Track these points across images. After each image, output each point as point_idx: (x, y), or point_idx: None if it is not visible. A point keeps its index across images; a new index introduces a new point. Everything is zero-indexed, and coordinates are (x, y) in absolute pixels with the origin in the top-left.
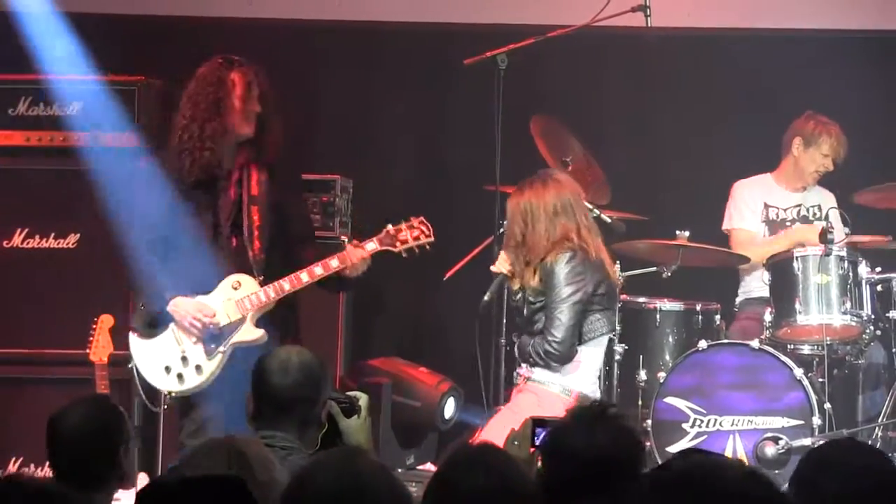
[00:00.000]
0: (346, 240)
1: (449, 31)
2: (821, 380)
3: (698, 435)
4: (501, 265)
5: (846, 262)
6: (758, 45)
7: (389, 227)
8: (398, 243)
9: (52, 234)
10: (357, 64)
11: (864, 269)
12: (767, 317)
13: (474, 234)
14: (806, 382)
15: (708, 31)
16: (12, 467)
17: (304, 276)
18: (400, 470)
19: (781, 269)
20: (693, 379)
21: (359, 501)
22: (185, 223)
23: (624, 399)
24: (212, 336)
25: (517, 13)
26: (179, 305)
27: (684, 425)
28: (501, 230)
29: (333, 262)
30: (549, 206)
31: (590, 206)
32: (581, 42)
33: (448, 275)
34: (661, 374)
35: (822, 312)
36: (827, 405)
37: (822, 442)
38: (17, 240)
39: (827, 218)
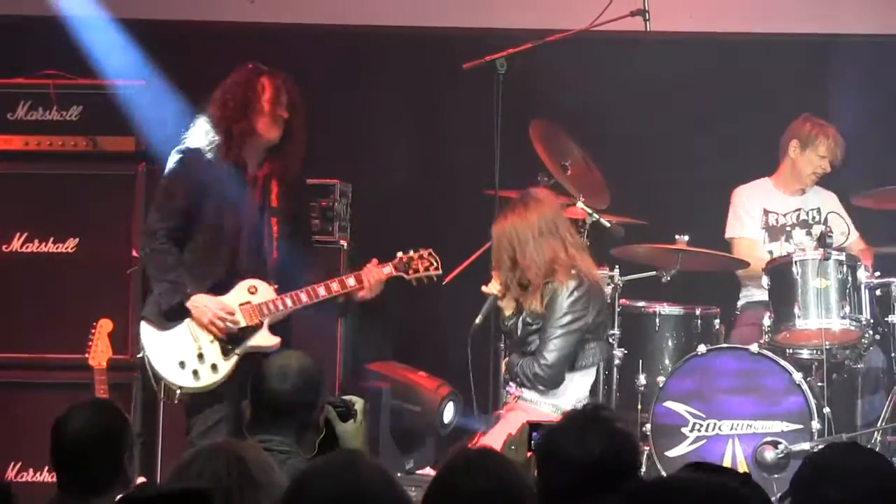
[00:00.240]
0: (345, 245)
1: (448, 36)
2: (820, 384)
3: (697, 439)
4: (493, 286)
5: (845, 266)
6: (757, 49)
7: (401, 254)
8: (411, 271)
9: (52, 239)
10: (357, 68)
11: (863, 274)
12: (766, 321)
13: (474, 239)
14: (805, 387)
15: (707, 35)
16: (11, 472)
17: (322, 291)
18: (399, 474)
19: (780, 274)
20: (692, 383)
21: None
22: (208, 220)
23: (623, 403)
24: (229, 337)
25: (516, 18)
26: (200, 302)
27: (683, 429)
28: None
29: (350, 281)
30: (535, 227)
31: (589, 211)
32: (580, 46)
33: (447, 279)
34: (661, 379)
35: (822, 317)
36: (826, 409)
37: (821, 446)
38: (16, 244)
39: (826, 222)
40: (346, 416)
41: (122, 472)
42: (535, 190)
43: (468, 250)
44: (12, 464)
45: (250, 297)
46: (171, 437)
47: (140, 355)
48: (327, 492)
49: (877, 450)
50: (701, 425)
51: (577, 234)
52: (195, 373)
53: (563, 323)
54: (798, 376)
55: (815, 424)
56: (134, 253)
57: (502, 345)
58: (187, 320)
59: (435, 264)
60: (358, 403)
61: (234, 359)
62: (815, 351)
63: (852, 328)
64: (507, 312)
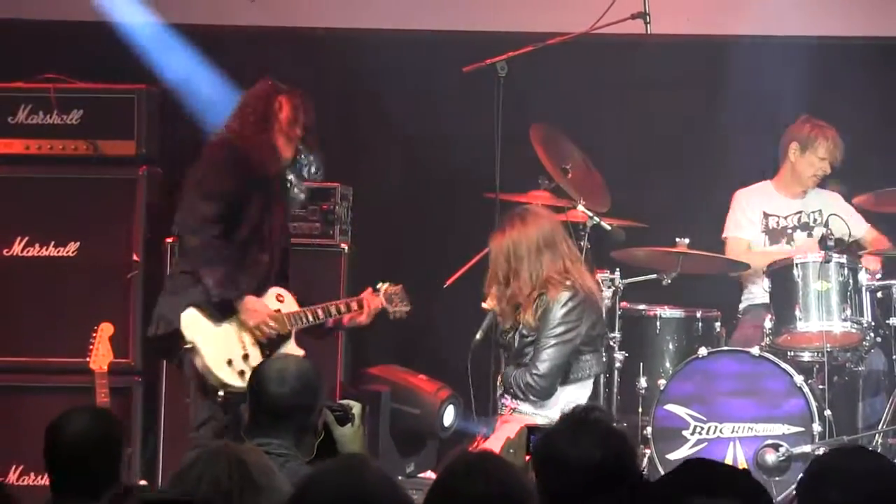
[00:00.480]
0: (346, 249)
1: (449, 39)
2: (821, 387)
3: (698, 442)
4: (492, 302)
5: (846, 268)
6: (757, 52)
7: (384, 286)
8: (391, 307)
9: (52, 243)
10: (357, 71)
11: (863, 276)
12: (767, 324)
13: (474, 243)
14: (806, 389)
15: (708, 37)
16: (13, 475)
17: (333, 310)
18: (400, 478)
19: (781, 276)
20: (693, 386)
21: None
22: (250, 219)
23: (624, 406)
24: (269, 342)
25: (517, 21)
26: (252, 304)
27: (684, 432)
28: None
29: (354, 304)
30: (533, 242)
31: (590, 214)
32: (581, 49)
33: (448, 283)
34: (662, 382)
35: (823, 319)
36: (827, 412)
37: (822, 449)
38: (16, 248)
39: (827, 224)
40: (343, 421)
41: (116, 477)
42: (531, 206)
43: (468, 254)
44: (14, 467)
45: (279, 304)
46: (173, 440)
47: (188, 346)
48: (331, 496)
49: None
50: (702, 428)
51: (575, 245)
52: (241, 373)
53: (556, 333)
54: (799, 379)
55: (817, 427)
56: (135, 257)
57: (503, 353)
58: (235, 319)
59: (406, 302)
60: (356, 408)
61: None
62: (816, 353)
63: (853, 331)
64: (506, 326)
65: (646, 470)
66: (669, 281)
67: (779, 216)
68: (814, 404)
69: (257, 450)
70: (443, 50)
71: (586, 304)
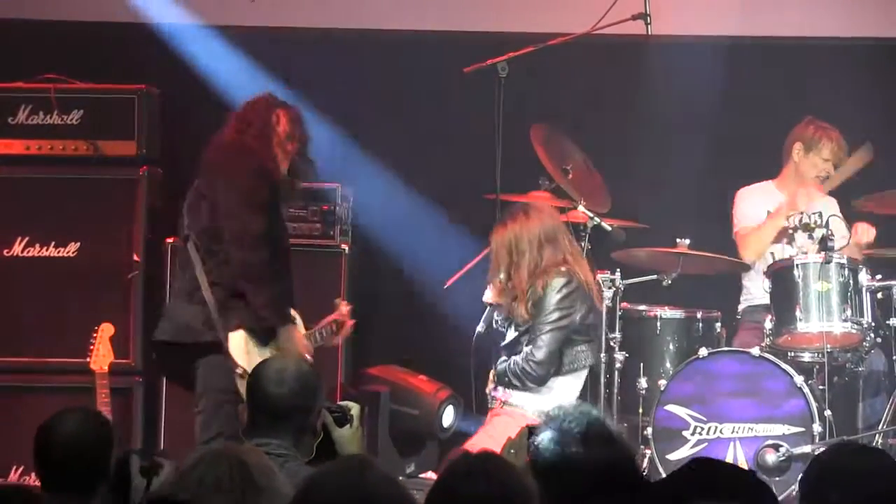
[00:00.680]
0: (347, 249)
1: (449, 40)
2: (821, 387)
3: (699, 442)
4: (492, 295)
5: (846, 269)
6: (759, 52)
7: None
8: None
9: (53, 243)
10: (357, 71)
11: (864, 277)
12: (768, 324)
13: (475, 243)
14: (806, 390)
15: (709, 38)
16: (14, 475)
17: (325, 332)
18: (400, 478)
19: (782, 277)
20: (693, 386)
21: None
22: (275, 232)
23: (624, 407)
24: None
25: (518, 21)
26: (300, 336)
27: (685, 433)
28: None
29: (334, 326)
30: (535, 236)
31: (590, 215)
32: (582, 50)
33: (448, 283)
34: (662, 382)
35: (823, 320)
36: (827, 412)
37: (822, 449)
38: (17, 248)
39: (828, 225)
40: (342, 422)
41: (108, 477)
42: (532, 203)
43: (469, 254)
44: (14, 467)
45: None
46: (174, 440)
47: (239, 371)
48: (334, 497)
49: None
50: (702, 428)
51: (576, 242)
52: None
53: (552, 319)
54: (799, 379)
55: (817, 427)
56: (135, 257)
57: (502, 345)
58: (275, 344)
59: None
60: (354, 409)
61: None
62: (816, 354)
63: (853, 331)
64: (502, 316)
65: (646, 470)
66: (670, 281)
67: None
68: (814, 405)
69: (258, 450)
70: (444, 50)
71: (580, 292)
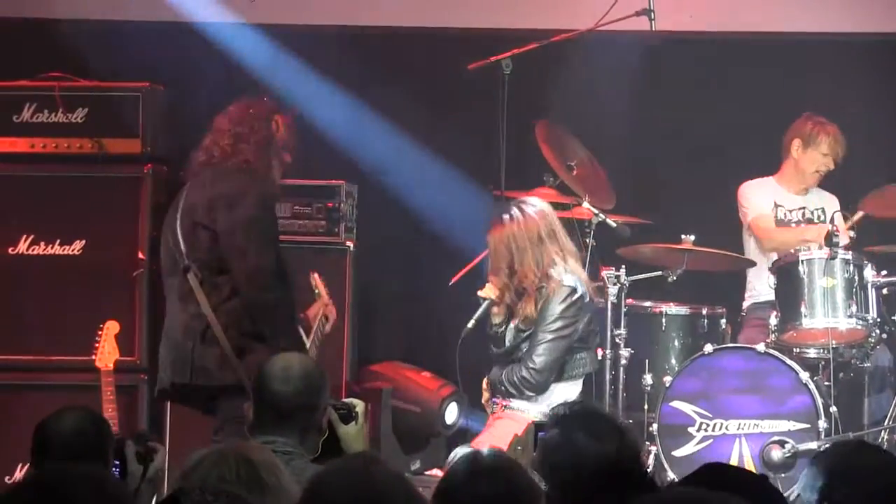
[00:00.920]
0: (352, 246)
1: (453, 36)
2: (827, 383)
3: (704, 439)
4: (489, 291)
5: (852, 265)
6: (763, 49)
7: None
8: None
9: (58, 241)
10: (361, 68)
11: (869, 273)
12: (773, 320)
13: (479, 240)
14: (812, 386)
15: (713, 34)
16: (19, 473)
17: (319, 330)
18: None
19: (787, 273)
20: (699, 383)
21: None
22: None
23: (630, 403)
24: None
25: (521, 18)
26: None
27: (690, 429)
28: None
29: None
30: (534, 233)
31: (595, 211)
32: (586, 46)
33: (454, 280)
34: (667, 379)
35: (828, 316)
36: (833, 408)
37: (829, 445)
38: (22, 246)
39: (832, 221)
40: (347, 419)
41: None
42: (526, 198)
43: (474, 251)
44: (20, 465)
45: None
46: (178, 439)
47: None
48: (341, 495)
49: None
50: (708, 425)
51: (572, 240)
52: None
53: (554, 328)
54: (805, 375)
55: (822, 423)
56: (140, 255)
57: (491, 347)
58: None
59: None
60: (359, 406)
61: None
62: (821, 350)
63: (859, 327)
64: (497, 320)
65: (652, 466)
66: (675, 278)
67: (785, 208)
68: (819, 401)
69: (264, 448)
70: (448, 47)
71: (583, 301)
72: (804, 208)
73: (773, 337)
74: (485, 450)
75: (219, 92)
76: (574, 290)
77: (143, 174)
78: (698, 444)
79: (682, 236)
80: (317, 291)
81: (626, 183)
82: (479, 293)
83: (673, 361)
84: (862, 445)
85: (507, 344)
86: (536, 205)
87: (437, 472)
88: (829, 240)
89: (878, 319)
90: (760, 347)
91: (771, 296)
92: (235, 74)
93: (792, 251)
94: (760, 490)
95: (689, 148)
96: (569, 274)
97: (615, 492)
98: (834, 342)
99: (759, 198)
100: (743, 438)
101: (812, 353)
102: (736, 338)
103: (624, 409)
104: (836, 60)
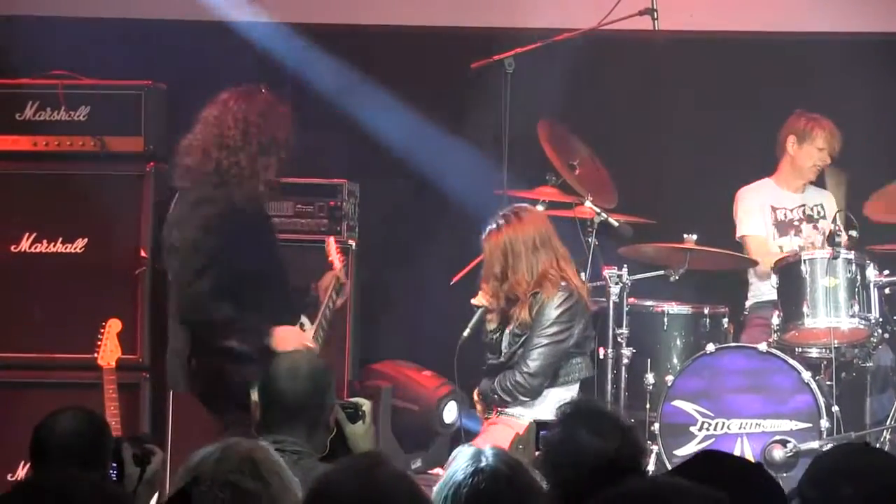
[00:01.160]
0: (354, 245)
1: (456, 35)
2: (829, 383)
3: (706, 438)
4: (482, 299)
5: (854, 265)
6: (767, 48)
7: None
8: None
9: (60, 239)
10: (364, 67)
11: (871, 273)
12: (775, 320)
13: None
14: (814, 385)
15: (715, 34)
16: (21, 471)
17: (330, 306)
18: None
19: (789, 272)
20: (701, 382)
21: None
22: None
23: (632, 402)
24: None
25: (524, 17)
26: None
27: (692, 428)
28: None
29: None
30: (529, 240)
31: (597, 210)
32: (589, 46)
33: (455, 279)
34: (669, 378)
35: (830, 315)
36: (835, 408)
37: (830, 446)
38: (24, 244)
39: (835, 220)
40: (354, 418)
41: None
42: (524, 204)
43: (476, 250)
44: (22, 463)
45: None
46: (181, 436)
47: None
48: (346, 495)
49: (886, 449)
50: (709, 424)
51: (573, 241)
52: None
53: (549, 333)
54: (807, 375)
55: (824, 423)
56: (142, 253)
57: (486, 354)
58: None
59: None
60: (365, 405)
61: None
62: (823, 349)
63: (861, 327)
64: (491, 326)
65: (653, 466)
66: (677, 277)
67: (785, 209)
68: (821, 400)
69: (266, 447)
70: (451, 46)
71: (579, 306)
72: (804, 206)
73: (775, 336)
74: (487, 448)
75: (221, 90)
76: (570, 296)
77: (145, 172)
78: (700, 443)
79: (685, 235)
80: (330, 259)
81: (629, 182)
82: (473, 301)
83: (675, 360)
84: (864, 447)
85: (504, 350)
86: (532, 211)
87: (439, 471)
88: (832, 239)
89: (881, 319)
90: (762, 347)
91: (773, 295)
92: (238, 72)
93: (794, 247)
94: (757, 478)
95: (692, 147)
96: (564, 280)
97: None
98: (836, 342)
99: (752, 208)
100: (745, 438)
101: (814, 352)
102: (738, 337)
103: (626, 409)
104: (837, 60)
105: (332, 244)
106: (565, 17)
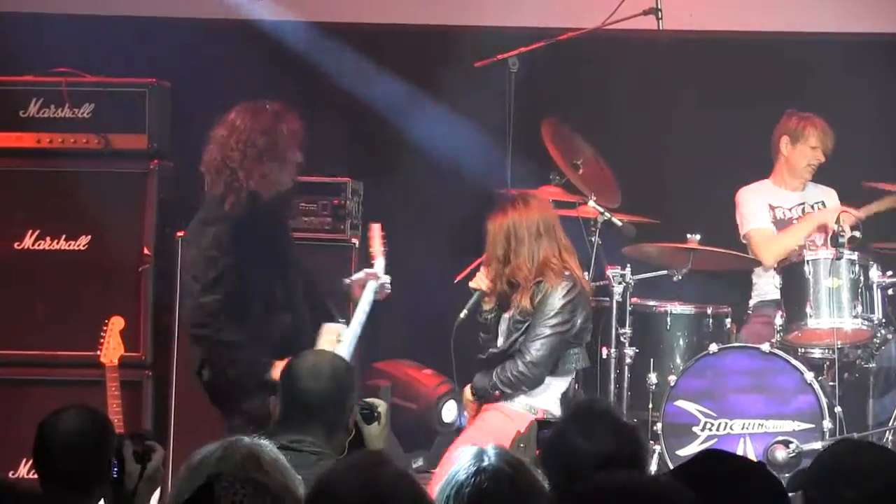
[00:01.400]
0: (356, 243)
1: (460, 34)
2: (831, 383)
3: (709, 438)
4: (480, 281)
5: (857, 265)
6: (771, 47)
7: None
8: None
9: (63, 236)
10: (367, 66)
11: (875, 273)
12: (778, 320)
13: (485, 237)
14: (816, 386)
15: (719, 34)
16: (23, 469)
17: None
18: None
19: (792, 273)
20: (704, 382)
21: None
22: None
23: (634, 402)
24: None
25: (529, 16)
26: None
27: (695, 428)
28: None
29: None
30: (534, 226)
31: (601, 210)
32: (593, 45)
33: (459, 277)
34: (672, 378)
35: (833, 316)
36: (838, 409)
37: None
38: (28, 242)
39: (838, 220)
40: (370, 419)
41: (105, 478)
42: (531, 192)
43: (479, 249)
44: (24, 460)
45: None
46: (183, 435)
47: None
48: (348, 493)
49: None
50: (712, 424)
51: (576, 240)
52: None
53: (553, 323)
54: (810, 375)
55: (827, 424)
56: (146, 251)
57: (480, 335)
58: None
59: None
60: (381, 406)
61: None
62: (826, 350)
63: (864, 327)
64: (488, 307)
65: (656, 465)
66: (680, 277)
67: (783, 207)
68: (824, 401)
69: (269, 446)
70: (455, 45)
71: (581, 297)
72: (803, 203)
73: (778, 337)
74: (489, 448)
75: (225, 88)
76: (573, 286)
77: (149, 170)
78: (703, 443)
79: (688, 235)
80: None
81: (632, 182)
82: (471, 284)
83: (678, 360)
84: (866, 444)
85: (502, 335)
86: (539, 199)
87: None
88: (835, 240)
89: (884, 320)
90: (765, 347)
91: (777, 294)
92: (241, 71)
93: (797, 248)
94: (759, 478)
95: (695, 147)
96: (567, 270)
97: None
98: (839, 342)
99: (754, 206)
100: (747, 438)
101: (817, 353)
102: (741, 336)
103: (628, 408)
104: (837, 60)
105: (375, 231)
106: (570, 17)
